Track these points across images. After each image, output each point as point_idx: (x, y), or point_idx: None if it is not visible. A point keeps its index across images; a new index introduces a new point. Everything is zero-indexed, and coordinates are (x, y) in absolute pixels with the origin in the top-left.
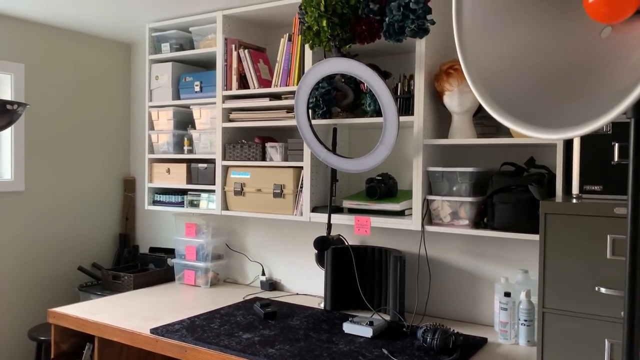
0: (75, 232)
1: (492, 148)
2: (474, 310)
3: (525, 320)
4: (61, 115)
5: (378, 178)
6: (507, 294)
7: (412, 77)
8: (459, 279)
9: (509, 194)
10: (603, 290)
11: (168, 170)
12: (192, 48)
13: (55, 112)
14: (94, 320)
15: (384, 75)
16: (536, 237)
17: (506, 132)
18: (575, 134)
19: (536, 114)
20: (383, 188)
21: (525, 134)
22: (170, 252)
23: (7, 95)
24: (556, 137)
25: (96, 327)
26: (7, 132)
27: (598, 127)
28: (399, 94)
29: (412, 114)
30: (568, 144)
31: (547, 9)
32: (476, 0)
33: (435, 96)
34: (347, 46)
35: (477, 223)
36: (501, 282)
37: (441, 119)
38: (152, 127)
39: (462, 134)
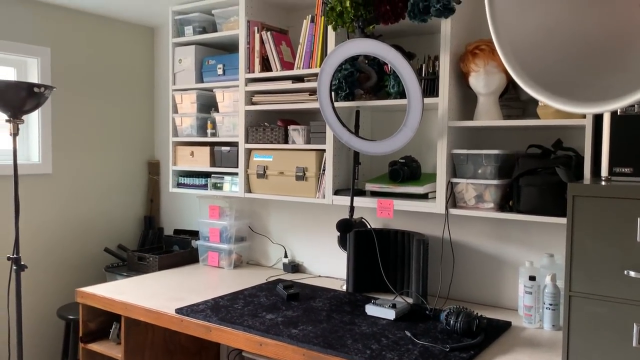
0: (101, 214)
1: (518, 130)
2: (497, 294)
3: (550, 305)
4: (86, 99)
5: (401, 161)
6: (532, 278)
7: (437, 57)
8: (482, 262)
9: (536, 176)
10: (632, 274)
11: (192, 153)
12: (215, 31)
13: (80, 95)
14: (121, 300)
15: (409, 56)
16: (563, 220)
17: (533, 114)
18: (617, 106)
19: (572, 88)
20: (406, 171)
21: (563, 109)
22: (195, 234)
23: (34, 79)
24: (595, 110)
25: (123, 306)
26: (35, 116)
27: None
28: (423, 75)
29: (437, 95)
30: (597, 125)
31: None
32: None
33: (461, 77)
34: (371, 27)
35: (502, 206)
36: (526, 266)
37: (466, 101)
38: (175, 111)
39: (487, 116)
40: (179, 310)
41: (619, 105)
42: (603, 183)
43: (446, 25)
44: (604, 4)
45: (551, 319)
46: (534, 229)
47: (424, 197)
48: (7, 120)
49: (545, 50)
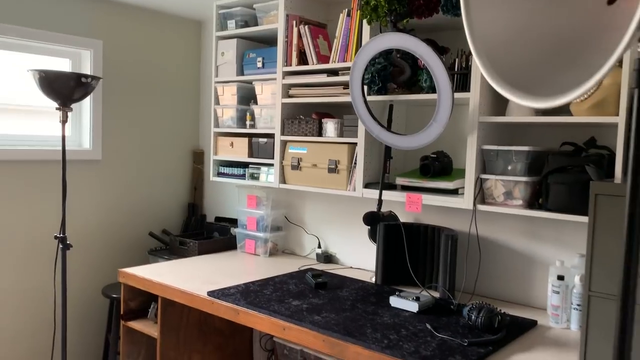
0: (148, 200)
1: (551, 127)
2: (527, 292)
3: (579, 305)
4: (136, 89)
5: (433, 156)
6: (561, 277)
7: (470, 53)
8: (512, 259)
9: (565, 174)
10: None
11: (232, 144)
12: (256, 25)
13: (130, 86)
14: (158, 282)
15: (441, 50)
16: None
17: (566, 111)
18: (561, 101)
19: (534, 84)
20: (437, 166)
21: (518, 102)
22: (234, 222)
23: (87, 70)
24: (544, 105)
25: (160, 287)
26: (87, 105)
27: (580, 94)
28: (456, 70)
29: (469, 90)
30: (630, 123)
31: None
32: None
33: None
34: (405, 21)
35: (531, 204)
36: (556, 265)
37: (498, 96)
38: (217, 102)
39: (519, 112)
40: (211, 293)
41: (562, 100)
42: None
43: None
44: (576, 3)
45: (579, 320)
46: (567, 228)
47: (454, 192)
48: (57, 109)
49: (514, 48)
